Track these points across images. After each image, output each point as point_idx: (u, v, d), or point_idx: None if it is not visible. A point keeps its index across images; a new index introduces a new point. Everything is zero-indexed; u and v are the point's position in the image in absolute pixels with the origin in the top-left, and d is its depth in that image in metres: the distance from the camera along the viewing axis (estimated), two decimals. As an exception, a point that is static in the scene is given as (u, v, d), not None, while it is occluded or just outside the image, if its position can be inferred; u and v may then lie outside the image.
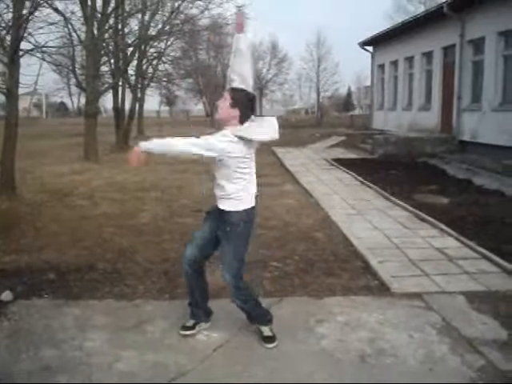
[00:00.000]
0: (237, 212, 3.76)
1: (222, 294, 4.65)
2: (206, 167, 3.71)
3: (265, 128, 3.72)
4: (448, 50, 17.45)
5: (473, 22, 15.38)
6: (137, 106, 24.29)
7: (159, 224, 7.50)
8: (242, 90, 3.79)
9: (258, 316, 4.01)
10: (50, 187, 10.53)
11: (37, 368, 3.54)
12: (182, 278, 5.01)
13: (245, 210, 3.79)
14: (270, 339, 3.90)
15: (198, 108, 59.67)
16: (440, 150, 15.89)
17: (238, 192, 3.77)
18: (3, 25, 8.84)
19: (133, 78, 22.04)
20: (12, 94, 9.19)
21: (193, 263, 3.92)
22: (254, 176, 3.93)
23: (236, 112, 3.68)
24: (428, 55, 19.13)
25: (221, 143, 3.59)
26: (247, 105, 3.73)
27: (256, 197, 3.95)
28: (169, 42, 22.97)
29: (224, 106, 3.72)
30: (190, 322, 4.06)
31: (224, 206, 3.78)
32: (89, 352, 3.77)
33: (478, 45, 15.49)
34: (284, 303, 4.65)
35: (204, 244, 3.91)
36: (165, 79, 27.85)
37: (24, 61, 9.57)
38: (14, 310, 4.46)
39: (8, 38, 8.94)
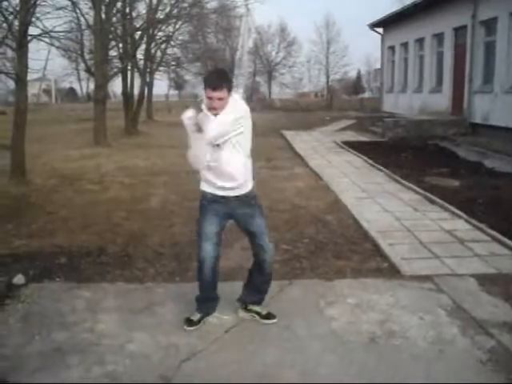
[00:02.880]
0: (252, 188, 3.85)
1: (234, 276, 4.69)
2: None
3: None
4: (459, 32, 17.21)
5: (485, 2, 15.15)
6: (145, 90, 24.24)
7: (169, 208, 7.52)
8: (224, 74, 3.68)
9: (263, 294, 4.05)
10: (60, 172, 10.57)
11: (49, 349, 3.58)
12: (192, 262, 5.06)
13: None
14: (271, 315, 3.98)
15: (206, 92, 59.40)
16: (451, 132, 15.78)
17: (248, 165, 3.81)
18: (11, 9, 8.82)
19: (141, 62, 22.00)
20: (21, 80, 9.20)
21: (215, 262, 3.85)
22: None
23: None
24: (439, 37, 18.89)
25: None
26: (230, 77, 3.73)
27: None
28: (177, 26, 22.82)
29: (225, 101, 3.58)
30: (196, 316, 3.94)
31: (242, 190, 3.77)
32: (100, 334, 3.80)
33: (490, 26, 15.28)
34: (294, 285, 4.66)
35: (219, 240, 3.86)
36: (173, 63, 27.73)
37: (32, 46, 9.60)
38: (26, 293, 4.50)
39: (16, 22, 8.92)
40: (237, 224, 3.99)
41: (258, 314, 4.00)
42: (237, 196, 3.77)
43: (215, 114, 3.56)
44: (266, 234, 3.91)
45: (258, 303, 4.05)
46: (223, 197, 3.77)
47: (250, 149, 3.80)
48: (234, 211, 3.82)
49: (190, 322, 3.90)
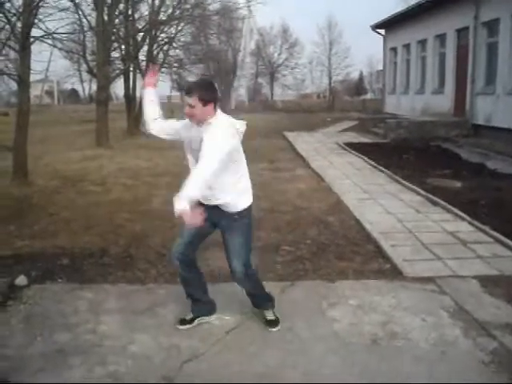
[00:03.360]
0: (237, 210, 3.68)
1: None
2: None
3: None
4: (461, 33, 17.20)
5: (487, 3, 15.14)
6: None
7: (171, 209, 7.47)
8: (201, 83, 3.66)
9: (263, 301, 4.01)
10: (62, 173, 10.58)
11: (51, 351, 3.59)
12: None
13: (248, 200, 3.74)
14: (274, 322, 3.92)
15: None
16: (453, 133, 15.76)
17: (240, 183, 3.69)
18: (14, 11, 8.84)
19: (143, 63, 22.01)
20: (23, 81, 9.21)
21: (182, 257, 3.78)
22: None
23: (211, 106, 3.48)
24: (441, 38, 18.88)
25: (229, 144, 3.44)
26: (213, 90, 3.56)
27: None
28: (179, 27, 22.82)
29: (197, 110, 3.46)
30: (189, 316, 3.95)
31: (226, 200, 3.63)
32: (102, 335, 3.81)
33: (492, 27, 15.26)
34: (296, 287, 4.65)
35: (192, 240, 3.79)
36: (176, 65, 27.73)
37: (35, 47, 9.61)
38: (28, 294, 4.51)
39: (19, 24, 8.94)
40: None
41: (264, 317, 3.99)
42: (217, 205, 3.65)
43: (196, 124, 3.54)
44: (239, 257, 3.71)
45: (264, 308, 4.01)
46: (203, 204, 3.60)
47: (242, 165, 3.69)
48: (216, 219, 3.70)
49: (182, 320, 3.94)
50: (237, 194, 3.65)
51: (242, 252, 3.73)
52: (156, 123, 3.89)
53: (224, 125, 3.50)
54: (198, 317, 3.97)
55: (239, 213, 3.67)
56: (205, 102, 3.44)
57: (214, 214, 3.65)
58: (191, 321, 3.94)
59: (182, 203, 3.27)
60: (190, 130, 3.62)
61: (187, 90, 3.49)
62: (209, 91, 3.50)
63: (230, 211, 3.65)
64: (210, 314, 4.03)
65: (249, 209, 3.74)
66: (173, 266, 3.95)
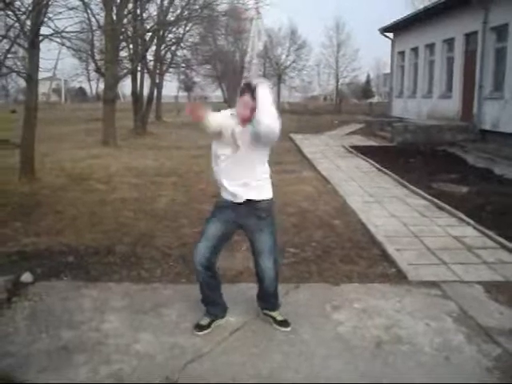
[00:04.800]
0: (268, 198, 3.78)
1: (240, 279, 4.70)
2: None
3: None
4: (470, 37, 17.16)
5: (496, 8, 15.09)
6: (155, 91, 24.31)
7: (177, 209, 7.53)
8: (249, 83, 3.65)
9: (276, 300, 4.01)
10: (69, 171, 10.63)
11: (55, 348, 3.60)
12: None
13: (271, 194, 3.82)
14: (286, 323, 3.93)
15: (215, 94, 59.56)
16: (460, 138, 15.71)
17: (267, 174, 3.80)
18: (23, 9, 8.88)
19: (151, 63, 22.07)
20: (32, 79, 9.26)
21: (206, 261, 3.79)
22: None
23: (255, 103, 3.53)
24: (449, 42, 18.84)
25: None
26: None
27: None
28: (187, 28, 22.88)
29: (248, 109, 3.54)
30: (205, 321, 3.89)
31: (254, 195, 3.70)
32: (106, 333, 3.82)
33: (501, 32, 15.21)
34: (301, 289, 4.65)
35: (218, 244, 3.81)
36: (183, 65, 27.82)
37: (43, 46, 9.65)
38: (33, 291, 4.53)
39: (28, 22, 8.98)
40: (246, 235, 3.95)
41: (273, 318, 3.98)
42: (250, 200, 3.70)
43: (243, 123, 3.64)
44: (270, 256, 3.79)
45: (272, 309, 4.01)
46: (232, 202, 3.71)
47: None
48: (243, 220, 3.76)
49: (200, 326, 3.85)
50: (265, 183, 3.77)
51: (273, 250, 3.82)
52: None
53: None
54: (214, 320, 3.91)
55: (266, 210, 3.76)
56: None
57: (241, 215, 3.73)
58: (209, 325, 3.87)
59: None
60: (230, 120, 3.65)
61: (244, 89, 3.57)
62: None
63: (258, 205, 3.70)
64: (223, 315, 3.99)
65: (272, 203, 3.83)
66: (196, 271, 3.87)
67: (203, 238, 3.81)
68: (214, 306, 3.95)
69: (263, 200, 3.75)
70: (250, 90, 3.52)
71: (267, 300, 4.02)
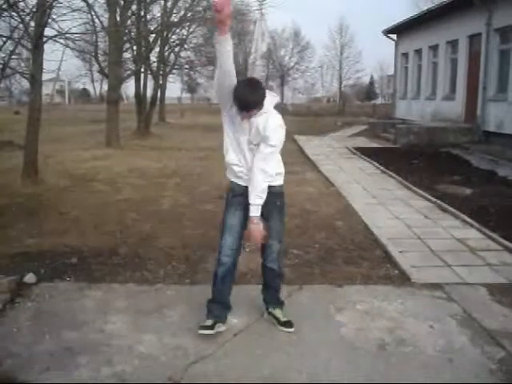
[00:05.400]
0: (280, 184, 3.84)
1: (243, 280, 4.69)
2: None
3: None
4: (474, 39, 17.12)
5: (500, 10, 15.06)
6: (158, 92, 24.34)
7: (180, 210, 7.54)
8: (263, 87, 3.62)
9: (279, 295, 4.02)
10: (73, 172, 10.65)
11: (58, 349, 3.60)
12: (203, 264, 5.08)
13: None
14: (289, 323, 3.91)
15: (219, 96, 59.50)
16: (464, 140, 15.68)
17: (280, 161, 3.85)
18: (27, 11, 8.90)
19: (155, 64, 22.10)
20: (36, 80, 9.28)
21: (233, 254, 3.78)
22: None
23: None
24: (453, 44, 18.81)
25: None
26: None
27: None
28: (191, 29, 22.94)
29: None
30: (209, 322, 3.79)
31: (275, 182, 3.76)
32: (109, 334, 3.82)
33: (505, 33, 15.19)
34: (304, 291, 4.65)
35: (240, 232, 3.78)
36: (187, 66, 27.85)
37: (47, 47, 9.66)
38: (37, 292, 4.53)
39: (32, 24, 9.00)
40: None
41: (277, 319, 3.97)
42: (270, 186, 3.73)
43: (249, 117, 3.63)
44: (276, 238, 3.84)
45: (276, 303, 4.01)
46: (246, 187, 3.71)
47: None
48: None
49: (204, 327, 3.77)
50: (278, 170, 3.80)
51: (280, 233, 3.89)
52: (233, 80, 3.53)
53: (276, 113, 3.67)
54: (217, 322, 3.82)
55: (279, 195, 3.81)
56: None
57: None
58: (212, 326, 3.78)
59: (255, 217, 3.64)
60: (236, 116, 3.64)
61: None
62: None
63: (272, 189, 3.71)
64: (225, 319, 3.90)
65: (284, 190, 3.88)
66: (218, 264, 3.80)
67: (226, 230, 3.78)
68: (219, 308, 3.86)
69: (276, 185, 3.78)
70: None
71: (271, 290, 4.01)
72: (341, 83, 50.87)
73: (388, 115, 26.48)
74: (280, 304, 4.05)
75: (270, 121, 3.58)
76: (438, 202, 8.04)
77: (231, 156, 3.72)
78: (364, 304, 4.38)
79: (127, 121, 20.39)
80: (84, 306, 4.30)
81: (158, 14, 19.78)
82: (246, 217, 3.75)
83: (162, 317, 4.13)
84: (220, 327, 3.82)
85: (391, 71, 30.86)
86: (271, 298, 4.05)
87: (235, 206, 3.79)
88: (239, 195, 3.76)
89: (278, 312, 4.00)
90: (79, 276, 4.93)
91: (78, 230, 6.45)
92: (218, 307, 3.86)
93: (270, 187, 3.69)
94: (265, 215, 3.74)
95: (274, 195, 3.76)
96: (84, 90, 72.32)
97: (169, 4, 18.90)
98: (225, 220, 3.82)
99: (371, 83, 67.89)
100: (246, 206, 3.71)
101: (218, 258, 3.83)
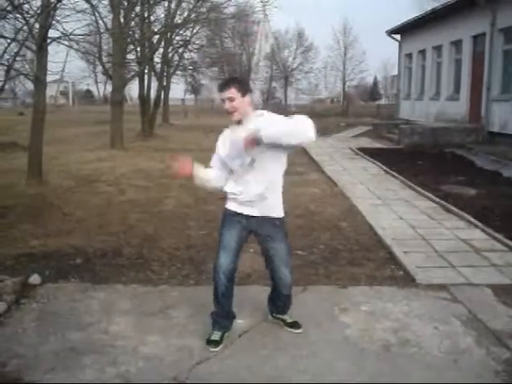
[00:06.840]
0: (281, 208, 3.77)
1: (248, 281, 4.70)
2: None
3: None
4: (478, 39, 17.09)
5: (504, 10, 15.02)
6: (162, 93, 24.37)
7: (184, 211, 7.54)
8: (234, 77, 3.67)
9: (289, 303, 3.96)
10: (77, 173, 10.67)
11: (63, 349, 3.61)
12: (207, 264, 5.07)
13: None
14: (297, 324, 3.91)
15: (222, 96, 59.57)
16: (468, 140, 15.64)
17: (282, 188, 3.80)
18: (32, 12, 8.93)
19: (159, 65, 22.14)
20: (40, 81, 9.30)
21: (229, 273, 3.67)
22: None
23: (249, 97, 3.52)
24: (457, 44, 18.78)
25: None
26: (247, 82, 3.65)
27: None
28: (195, 30, 22.99)
29: (237, 102, 3.46)
30: (217, 335, 3.70)
31: (275, 212, 3.69)
32: (114, 335, 3.82)
33: (509, 33, 15.15)
34: (308, 292, 4.64)
35: (236, 251, 3.69)
36: (190, 67, 27.93)
37: (52, 48, 9.68)
38: (41, 293, 4.54)
39: (36, 25, 9.03)
40: (258, 241, 3.86)
41: (284, 321, 3.95)
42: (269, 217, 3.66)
43: (237, 122, 3.54)
44: (287, 264, 3.73)
45: (282, 312, 3.97)
46: (250, 212, 3.63)
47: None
48: (256, 227, 3.69)
49: (214, 342, 3.65)
50: (280, 197, 3.76)
51: (289, 258, 3.77)
52: (223, 182, 3.78)
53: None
54: (225, 332, 3.76)
55: (280, 219, 3.72)
56: (243, 93, 3.48)
57: (252, 222, 3.67)
58: (221, 340, 3.70)
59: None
60: (225, 147, 3.62)
61: (223, 85, 3.51)
62: (243, 82, 3.61)
63: (272, 216, 3.66)
64: (231, 327, 3.84)
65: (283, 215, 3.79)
66: (216, 283, 3.70)
67: (222, 249, 3.67)
68: (226, 317, 3.81)
69: (281, 217, 3.73)
70: (235, 83, 3.49)
71: (281, 303, 3.94)
72: (344, 84, 50.84)
73: (392, 115, 26.43)
74: (288, 311, 3.99)
75: (260, 118, 3.49)
76: (443, 202, 8.02)
77: (231, 185, 3.70)
78: (368, 305, 4.37)
79: (131, 122, 20.40)
80: (89, 306, 4.30)
81: (162, 15, 19.86)
82: (241, 237, 3.69)
83: (166, 317, 4.13)
84: (227, 336, 3.79)
85: (395, 71, 30.85)
86: (278, 307, 3.99)
87: (231, 225, 3.69)
88: (235, 215, 3.69)
89: (282, 315, 3.98)
90: (84, 277, 4.94)
91: (82, 230, 6.46)
92: (224, 318, 3.80)
93: (271, 218, 3.66)
94: (264, 237, 3.70)
95: (275, 218, 3.70)
96: (88, 91, 72.51)
97: (172, 5, 18.94)
98: (220, 237, 3.72)
99: (375, 84, 67.88)
100: (241, 228, 3.66)
101: (214, 277, 3.71)
